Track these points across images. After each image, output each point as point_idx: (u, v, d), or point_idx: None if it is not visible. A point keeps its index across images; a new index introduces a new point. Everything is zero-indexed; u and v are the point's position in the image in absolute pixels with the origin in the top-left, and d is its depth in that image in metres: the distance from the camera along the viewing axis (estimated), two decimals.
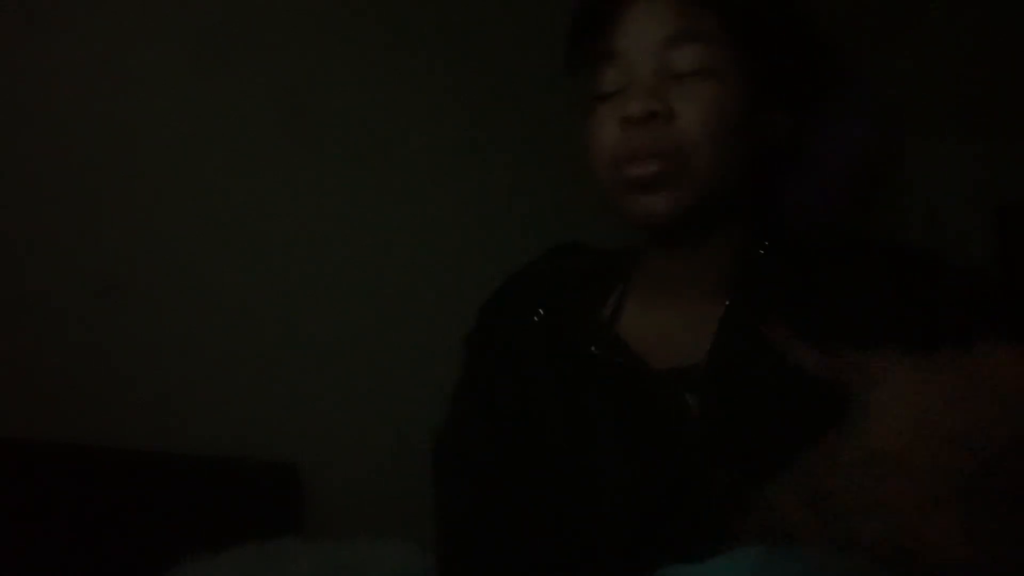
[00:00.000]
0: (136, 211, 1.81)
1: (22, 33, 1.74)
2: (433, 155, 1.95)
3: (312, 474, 1.87)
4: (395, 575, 1.40)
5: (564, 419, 0.98)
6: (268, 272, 1.88)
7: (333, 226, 1.91)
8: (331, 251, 1.91)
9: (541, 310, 1.04)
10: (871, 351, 0.87)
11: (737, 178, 0.97)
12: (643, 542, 0.91)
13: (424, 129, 1.94)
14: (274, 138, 1.87)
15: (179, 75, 1.82)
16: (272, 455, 1.84)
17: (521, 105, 2.03)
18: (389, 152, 1.94)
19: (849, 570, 0.79)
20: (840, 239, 1.01)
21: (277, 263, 1.88)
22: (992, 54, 1.87)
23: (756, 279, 0.99)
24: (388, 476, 1.85)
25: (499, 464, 0.99)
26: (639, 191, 0.95)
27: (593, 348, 1.00)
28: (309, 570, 1.49)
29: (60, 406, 1.74)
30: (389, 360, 1.93)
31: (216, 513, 1.70)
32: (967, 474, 0.73)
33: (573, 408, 0.98)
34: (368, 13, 1.92)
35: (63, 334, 1.76)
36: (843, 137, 1.00)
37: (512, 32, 2.06)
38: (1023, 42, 1.78)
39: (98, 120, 1.79)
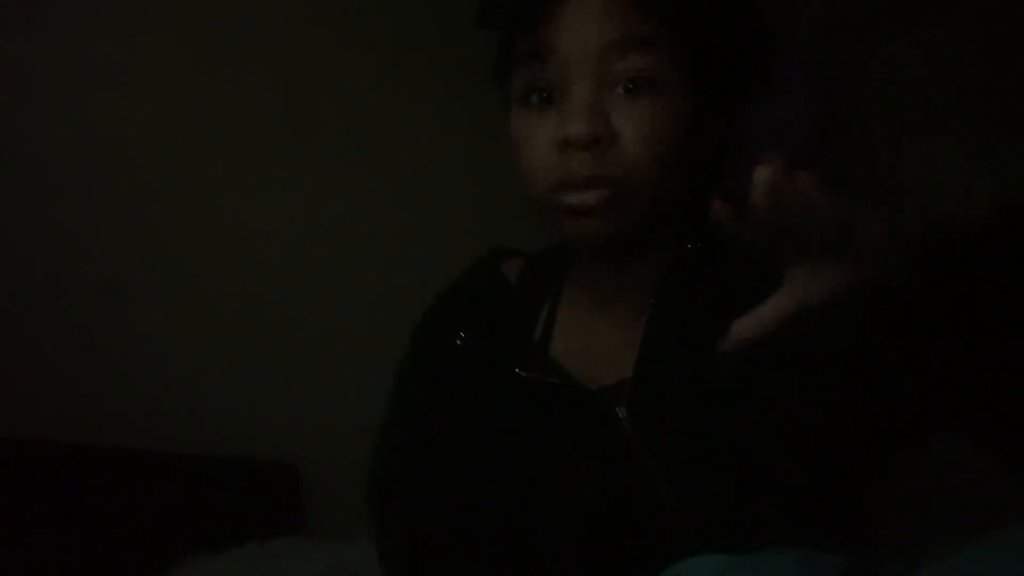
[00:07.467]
0: (136, 211, 1.81)
1: (22, 32, 1.74)
2: (434, 155, 1.94)
3: (312, 474, 1.87)
4: None
5: (499, 443, 0.94)
6: (268, 272, 1.88)
7: (334, 226, 1.91)
8: (331, 251, 1.91)
9: (462, 333, 1.00)
10: None
11: (676, 191, 0.92)
12: (591, 562, 0.89)
13: (424, 129, 1.93)
14: (274, 138, 1.87)
15: (179, 74, 1.82)
16: (272, 455, 1.84)
17: None
18: (390, 152, 1.93)
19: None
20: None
21: (277, 263, 1.88)
22: (992, 54, 1.87)
23: (680, 281, 0.95)
24: None
25: (438, 495, 0.95)
26: (575, 216, 0.89)
27: (518, 370, 0.95)
28: (309, 570, 1.50)
29: (60, 406, 1.74)
30: (390, 360, 1.92)
31: (216, 513, 1.70)
32: None
33: (507, 431, 0.94)
34: (368, 13, 1.92)
35: (63, 334, 1.76)
36: (777, 120, 0.94)
37: None
38: (1023, 42, 1.78)
39: (98, 119, 1.78)
